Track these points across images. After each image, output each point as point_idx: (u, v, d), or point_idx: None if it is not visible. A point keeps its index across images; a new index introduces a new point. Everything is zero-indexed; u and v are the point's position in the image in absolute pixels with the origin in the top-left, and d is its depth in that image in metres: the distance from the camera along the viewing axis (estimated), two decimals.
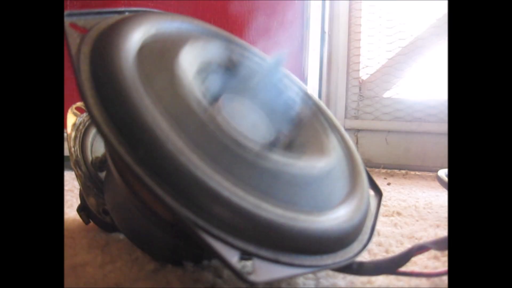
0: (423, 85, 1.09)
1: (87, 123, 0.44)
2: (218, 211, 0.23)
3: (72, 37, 0.27)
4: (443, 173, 0.62)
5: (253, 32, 0.93)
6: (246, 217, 0.23)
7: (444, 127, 1.02)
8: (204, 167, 0.23)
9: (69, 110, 0.44)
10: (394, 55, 1.11)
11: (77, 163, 0.42)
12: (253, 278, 0.21)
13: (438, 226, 0.49)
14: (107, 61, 0.26)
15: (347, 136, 0.37)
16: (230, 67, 0.34)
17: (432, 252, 0.35)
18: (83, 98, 0.24)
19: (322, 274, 0.32)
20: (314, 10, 1.01)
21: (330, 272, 0.32)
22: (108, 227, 0.42)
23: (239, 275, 0.21)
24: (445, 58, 1.00)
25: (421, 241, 0.42)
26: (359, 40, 1.14)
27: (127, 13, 0.31)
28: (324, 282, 0.31)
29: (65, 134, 0.39)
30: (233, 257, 0.22)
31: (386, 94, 1.12)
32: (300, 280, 0.31)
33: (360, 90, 1.14)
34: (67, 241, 0.39)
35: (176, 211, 0.22)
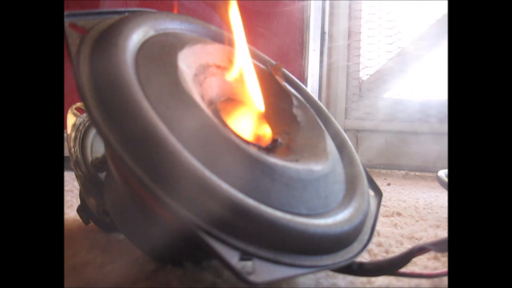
0: (423, 85, 1.09)
1: (87, 124, 0.44)
2: (219, 211, 0.23)
3: (72, 38, 0.27)
4: (443, 173, 0.62)
5: (252, 32, 0.93)
6: (246, 218, 0.23)
7: (444, 127, 1.02)
8: (204, 168, 0.23)
9: (69, 111, 0.44)
10: (394, 55, 1.11)
11: (77, 163, 0.42)
12: (253, 278, 0.21)
13: (438, 226, 0.49)
14: (107, 62, 0.26)
15: (345, 136, 0.37)
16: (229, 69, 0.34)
17: (432, 253, 0.35)
18: (83, 99, 0.24)
19: (322, 274, 0.32)
20: (314, 10, 1.01)
21: (330, 273, 0.32)
22: (108, 228, 0.42)
23: (239, 276, 0.21)
24: (445, 58, 1.00)
25: (421, 242, 0.42)
26: (359, 40, 1.14)
27: (127, 13, 0.31)
28: (324, 282, 0.31)
29: (65, 135, 0.39)
30: (233, 258, 0.22)
31: (386, 94, 1.12)
32: (300, 280, 0.31)
33: (360, 90, 1.14)
34: (67, 241, 0.39)
35: (176, 212, 0.22)
